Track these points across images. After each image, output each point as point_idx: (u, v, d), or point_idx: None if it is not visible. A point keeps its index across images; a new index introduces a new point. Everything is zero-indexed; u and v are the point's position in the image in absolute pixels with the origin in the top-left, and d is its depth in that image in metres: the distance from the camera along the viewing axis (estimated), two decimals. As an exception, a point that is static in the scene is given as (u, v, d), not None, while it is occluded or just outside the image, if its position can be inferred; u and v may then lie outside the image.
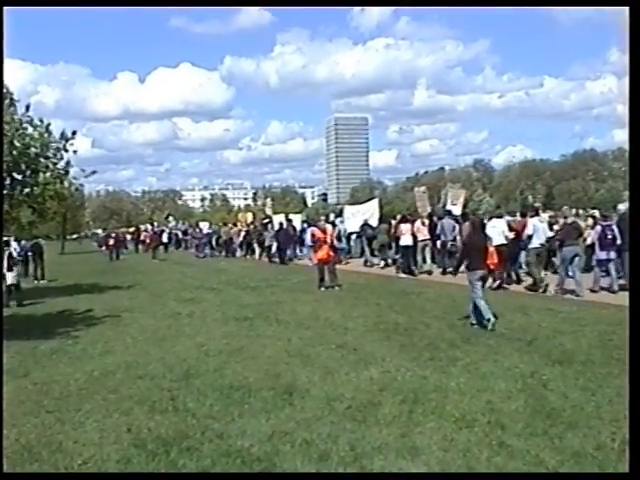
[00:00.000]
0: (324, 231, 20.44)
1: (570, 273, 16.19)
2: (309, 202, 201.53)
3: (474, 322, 11.91)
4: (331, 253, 19.86)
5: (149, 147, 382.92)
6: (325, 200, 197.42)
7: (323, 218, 33.02)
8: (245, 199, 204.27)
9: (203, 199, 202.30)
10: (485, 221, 15.44)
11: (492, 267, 12.78)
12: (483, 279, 12.39)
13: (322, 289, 19.07)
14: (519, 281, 18.03)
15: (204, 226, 50.69)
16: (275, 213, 43.99)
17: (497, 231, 16.70)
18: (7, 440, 6.52)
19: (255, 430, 6.50)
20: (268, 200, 61.69)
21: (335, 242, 25.84)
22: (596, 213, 20.82)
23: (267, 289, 19.85)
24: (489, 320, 11.54)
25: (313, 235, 20.31)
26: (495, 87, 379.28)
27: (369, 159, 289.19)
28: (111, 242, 45.47)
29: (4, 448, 6.27)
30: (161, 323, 13.94)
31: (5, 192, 18.15)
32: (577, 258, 16.18)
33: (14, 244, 31.33)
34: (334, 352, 10.09)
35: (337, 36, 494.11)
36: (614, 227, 15.76)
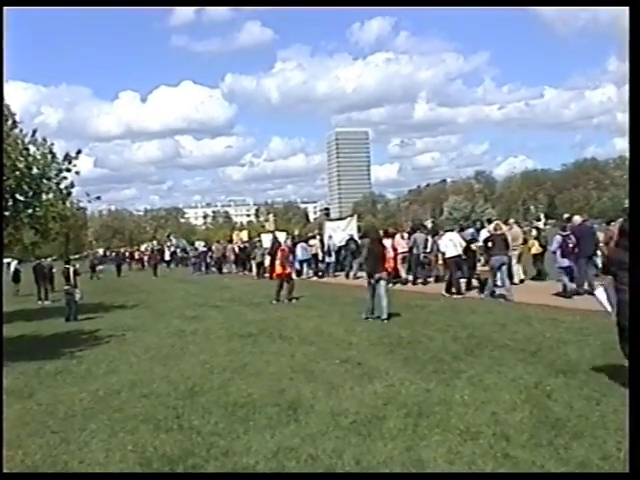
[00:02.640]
0: (282, 249, 22.11)
1: (499, 282, 17.70)
2: (311, 217, 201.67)
3: (383, 317, 14.61)
4: (288, 269, 21.77)
5: (151, 165, 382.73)
6: (327, 215, 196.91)
7: (310, 234, 33.51)
8: (248, 215, 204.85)
9: (206, 216, 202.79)
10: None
11: (389, 271, 15.06)
12: (379, 281, 14.86)
13: (274, 302, 20.30)
14: (482, 287, 18.88)
15: (199, 245, 51.31)
16: (277, 229, 44.51)
17: (453, 243, 19.07)
18: (12, 461, 6.54)
19: (260, 446, 6.49)
20: (270, 216, 62.28)
21: (320, 256, 30.64)
22: (540, 224, 22.12)
23: (270, 305, 19.86)
24: (379, 316, 14.65)
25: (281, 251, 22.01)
26: (495, 98, 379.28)
27: (371, 173, 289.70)
28: (96, 262, 51.40)
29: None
30: (165, 341, 13.95)
31: (8, 213, 18.26)
32: (504, 266, 17.73)
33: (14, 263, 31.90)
34: (338, 367, 10.09)
35: (337, 52, 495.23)
36: (572, 237, 16.80)
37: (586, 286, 16.58)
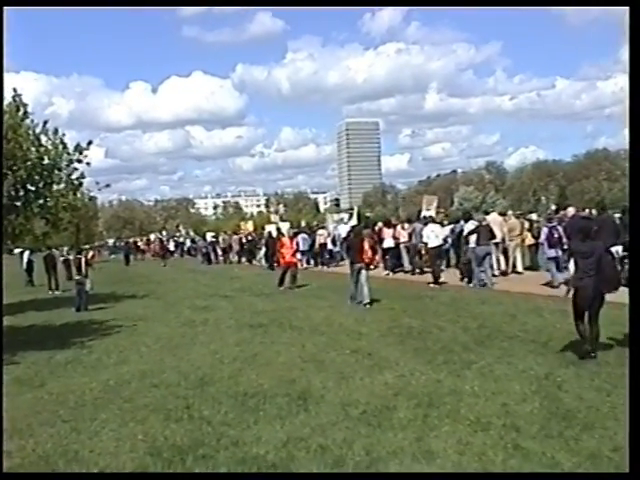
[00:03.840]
0: (291, 239, 24.14)
1: (482, 268, 18.56)
2: (322, 208, 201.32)
3: (363, 301, 16.03)
4: (294, 259, 23.21)
5: (162, 156, 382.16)
6: (338, 205, 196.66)
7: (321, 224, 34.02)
8: (258, 206, 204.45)
9: (216, 207, 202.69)
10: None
11: (367, 261, 17.05)
12: (361, 270, 16.30)
13: (281, 288, 21.61)
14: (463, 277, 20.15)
15: (209, 235, 51.98)
16: (282, 220, 44.92)
17: (435, 234, 20.41)
18: (24, 450, 6.58)
19: (270, 436, 6.51)
20: (280, 206, 62.73)
21: (330, 246, 31.62)
22: (533, 217, 22.87)
23: (280, 295, 19.89)
24: (360, 301, 16.03)
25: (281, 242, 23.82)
26: (506, 89, 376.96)
27: (381, 163, 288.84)
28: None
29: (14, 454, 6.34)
30: (175, 331, 13.98)
31: (19, 204, 18.31)
32: (488, 256, 18.80)
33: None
34: (348, 357, 10.10)
35: (348, 42, 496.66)
36: (559, 227, 17.20)
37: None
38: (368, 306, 15.86)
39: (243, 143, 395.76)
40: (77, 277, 19.59)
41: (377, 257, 25.09)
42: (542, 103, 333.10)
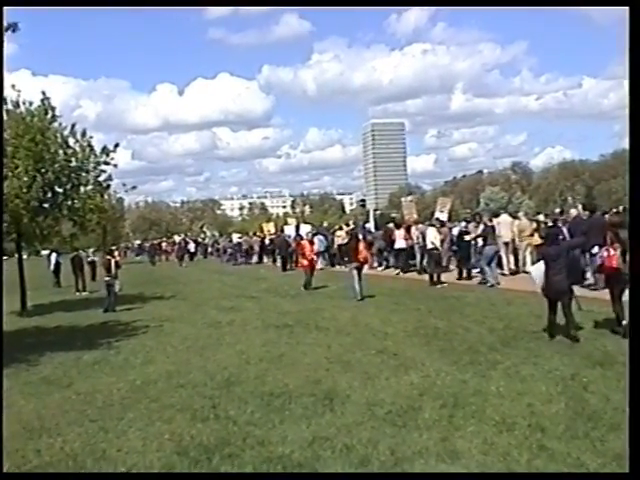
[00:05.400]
0: (311, 242, 25.20)
1: (491, 266, 19.59)
2: (347, 208, 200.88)
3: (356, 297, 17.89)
4: (306, 260, 23.12)
5: (189, 157, 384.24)
6: (364, 206, 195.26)
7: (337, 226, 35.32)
8: (284, 207, 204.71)
9: (242, 208, 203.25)
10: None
11: (362, 261, 18.75)
12: (357, 269, 18.25)
13: (307, 290, 21.73)
14: (469, 277, 21.50)
15: (235, 236, 52.24)
16: (305, 222, 45.22)
17: (428, 237, 21.24)
18: (52, 449, 6.66)
19: (296, 436, 6.53)
20: (306, 207, 62.77)
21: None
22: (540, 217, 23.95)
23: (307, 296, 19.94)
24: (359, 298, 17.76)
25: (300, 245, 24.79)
26: (533, 89, 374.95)
27: (407, 164, 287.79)
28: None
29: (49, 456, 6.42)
30: (202, 332, 14.06)
31: (47, 205, 18.52)
32: (496, 255, 20.05)
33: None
34: (374, 357, 10.11)
35: (374, 43, 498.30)
36: (564, 229, 17.35)
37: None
38: (361, 302, 17.51)
39: (269, 144, 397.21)
40: (107, 278, 19.73)
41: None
42: (569, 103, 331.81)
